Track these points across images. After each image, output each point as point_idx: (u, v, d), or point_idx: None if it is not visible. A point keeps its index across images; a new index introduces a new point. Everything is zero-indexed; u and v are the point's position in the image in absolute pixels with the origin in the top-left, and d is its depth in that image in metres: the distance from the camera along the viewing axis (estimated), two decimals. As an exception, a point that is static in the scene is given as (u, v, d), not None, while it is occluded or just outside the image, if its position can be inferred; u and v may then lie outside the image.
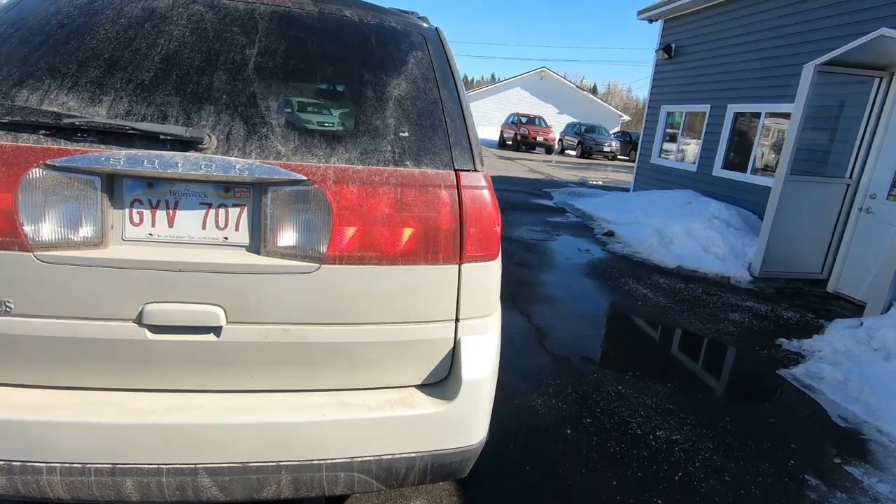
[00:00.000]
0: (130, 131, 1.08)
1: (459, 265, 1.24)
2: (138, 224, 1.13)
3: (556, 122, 27.16)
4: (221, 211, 1.15)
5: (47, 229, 1.07)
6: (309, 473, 1.19)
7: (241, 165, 1.10)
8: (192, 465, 1.14)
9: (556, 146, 22.61)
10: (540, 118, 22.88)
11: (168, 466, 1.13)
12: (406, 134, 1.24)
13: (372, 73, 1.31)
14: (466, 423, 1.27)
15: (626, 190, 9.81)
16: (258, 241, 1.16)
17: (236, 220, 1.16)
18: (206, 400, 1.18)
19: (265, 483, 1.18)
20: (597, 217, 7.05)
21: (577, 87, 34.47)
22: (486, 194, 1.26)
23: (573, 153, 22.34)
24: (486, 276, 1.29)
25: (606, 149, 20.86)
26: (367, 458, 1.21)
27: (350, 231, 1.16)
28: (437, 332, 1.28)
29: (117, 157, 1.06)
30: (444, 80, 1.35)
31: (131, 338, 1.13)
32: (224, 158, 1.11)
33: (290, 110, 1.20)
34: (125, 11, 1.26)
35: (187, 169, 1.08)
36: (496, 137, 23.96)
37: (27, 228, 1.06)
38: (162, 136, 1.09)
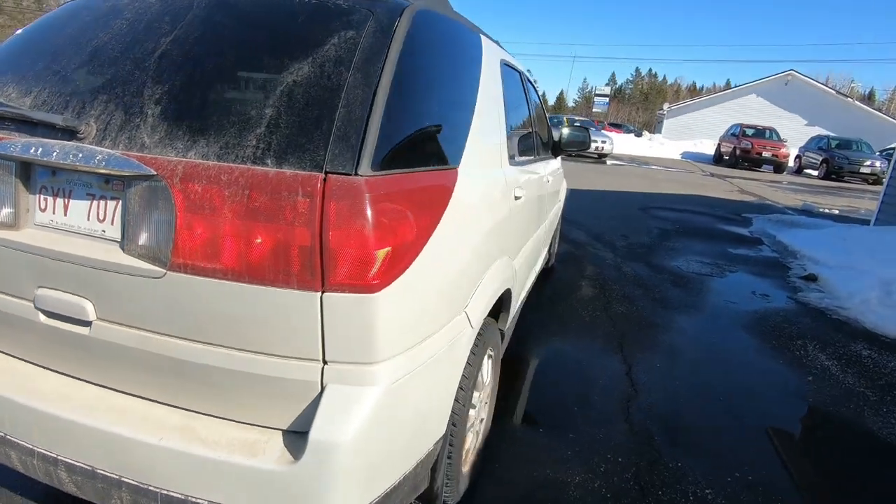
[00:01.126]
0: (13, 117, 1.13)
1: (322, 293, 0.98)
2: (44, 210, 1.17)
3: (801, 136, 22.40)
4: (102, 203, 1.12)
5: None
6: (146, 500, 1.08)
7: (100, 156, 1.05)
8: (54, 456, 1.14)
9: (791, 164, 18.65)
10: (772, 130, 19.17)
11: (37, 450, 1.15)
12: (281, 126, 1.03)
13: (271, 56, 1.13)
14: (306, 498, 1.00)
15: (866, 222, 7.45)
16: (125, 238, 1.09)
17: (112, 214, 1.11)
18: (78, 393, 1.18)
19: (108, 495, 1.11)
20: (801, 254, 5.48)
21: (837, 92, 27.92)
22: (363, 206, 0.97)
23: (814, 173, 18.12)
24: (362, 313, 1.00)
25: (864, 169, 16.36)
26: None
27: (194, 236, 1.01)
28: (297, 371, 1.04)
29: (16, 145, 1.11)
30: (365, 63, 1.09)
31: (28, 318, 1.18)
32: (91, 148, 1.07)
33: (171, 99, 1.10)
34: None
35: (60, 158, 1.07)
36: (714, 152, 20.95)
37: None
38: (40, 123, 1.11)
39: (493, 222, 1.56)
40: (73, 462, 1.12)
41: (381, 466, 1.10)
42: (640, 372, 2.75)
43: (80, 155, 1.06)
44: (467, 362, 1.47)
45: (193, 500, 1.05)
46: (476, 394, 1.72)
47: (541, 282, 4.04)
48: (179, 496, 1.06)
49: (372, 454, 1.05)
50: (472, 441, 1.78)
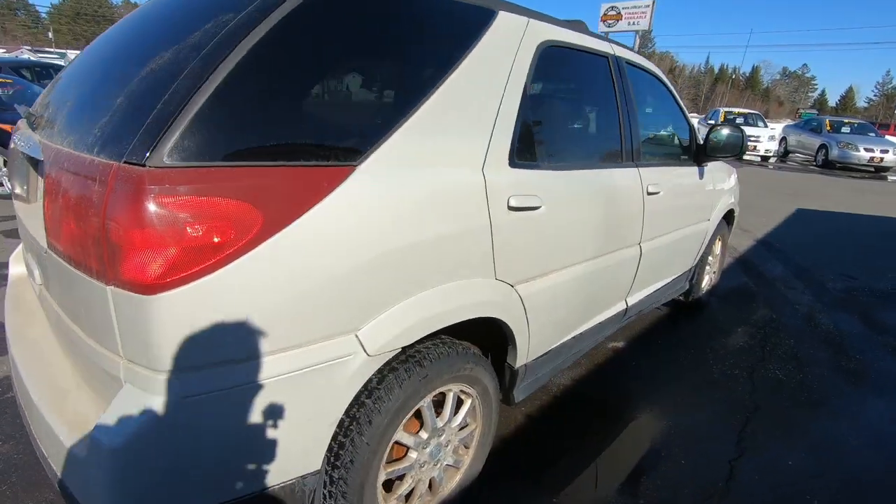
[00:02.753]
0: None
1: (109, 287, 0.94)
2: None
3: None
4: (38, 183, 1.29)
5: None
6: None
7: (27, 143, 1.20)
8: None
9: None
10: None
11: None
12: (116, 116, 1.01)
13: (168, 43, 1.11)
14: (87, 497, 0.97)
15: None
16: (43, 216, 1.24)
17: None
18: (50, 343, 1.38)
19: None
20: None
21: None
22: (140, 200, 0.88)
23: None
24: (140, 314, 0.92)
25: None
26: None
27: (49, 217, 1.08)
28: (109, 364, 1.01)
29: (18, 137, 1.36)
30: (228, 36, 1.01)
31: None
32: (30, 137, 1.24)
33: (74, 96, 1.19)
34: None
35: (22, 147, 1.27)
36: None
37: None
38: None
39: (437, 234, 1.27)
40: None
41: (173, 486, 1.00)
42: (750, 469, 1.97)
43: (24, 144, 1.24)
44: (371, 394, 1.25)
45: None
46: (424, 434, 1.47)
47: (675, 320, 3.28)
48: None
49: (156, 471, 0.97)
50: (422, 488, 1.52)
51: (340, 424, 1.23)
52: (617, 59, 2.10)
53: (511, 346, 1.69)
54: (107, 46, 1.41)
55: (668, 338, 3.02)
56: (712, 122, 15.48)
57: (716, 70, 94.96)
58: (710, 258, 3.36)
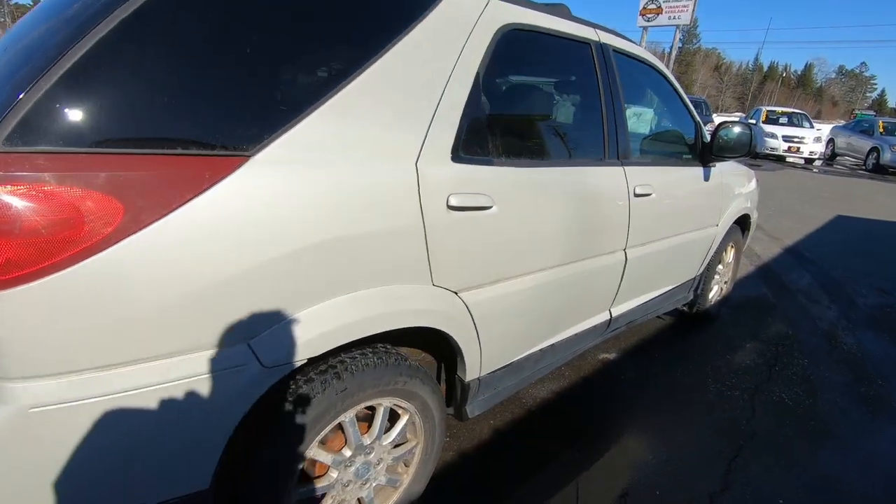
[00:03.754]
0: None
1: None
2: None
3: None
4: None
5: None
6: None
7: None
8: None
9: None
10: None
11: None
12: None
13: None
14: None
15: None
16: None
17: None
18: None
19: None
20: None
21: None
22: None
23: None
24: None
25: None
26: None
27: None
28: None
29: None
30: (90, 7, 0.91)
31: None
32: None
33: None
34: None
35: None
36: None
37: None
38: None
39: (352, 234, 1.14)
40: None
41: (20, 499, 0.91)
42: None
43: None
44: (279, 407, 1.14)
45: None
46: (347, 452, 1.35)
47: (677, 333, 3.05)
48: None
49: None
50: (346, 508, 1.41)
51: (239, 439, 1.13)
52: (602, 46, 1.91)
53: (459, 358, 1.55)
54: None
55: (666, 351, 2.80)
56: (753, 121, 14.73)
57: (765, 68, 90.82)
58: (719, 267, 3.11)
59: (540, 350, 1.86)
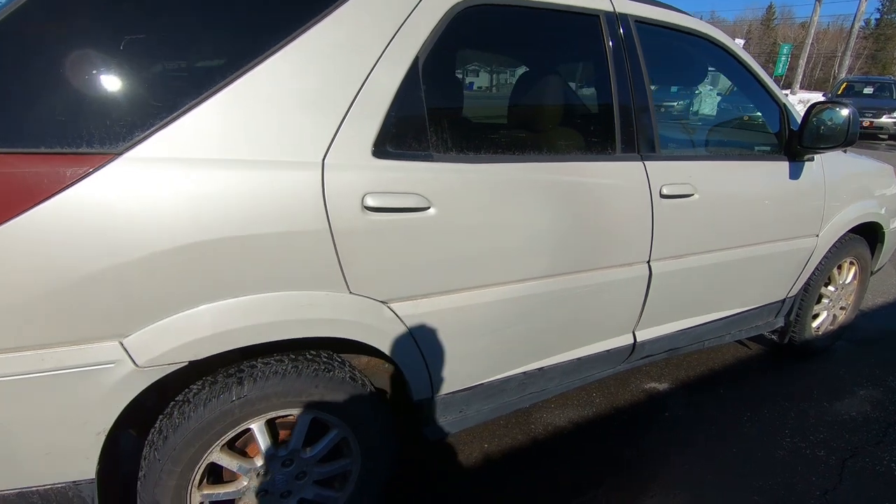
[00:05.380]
0: None
1: None
2: None
3: None
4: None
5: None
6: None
7: None
8: None
9: None
10: None
11: None
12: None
13: None
14: None
15: None
16: None
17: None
18: None
19: None
20: None
21: None
22: None
23: None
24: None
25: None
26: None
27: None
28: None
29: None
30: None
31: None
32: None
33: None
34: None
35: None
36: None
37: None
38: None
39: (241, 235, 1.07)
40: None
41: None
42: None
43: None
44: (174, 409, 1.14)
45: None
46: (258, 461, 1.29)
47: (765, 366, 2.49)
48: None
49: None
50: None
51: (126, 437, 1.14)
52: (619, 17, 1.58)
53: (405, 375, 1.40)
54: None
55: (738, 389, 2.28)
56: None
57: None
58: (829, 288, 2.45)
59: (523, 373, 1.62)
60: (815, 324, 2.49)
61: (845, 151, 2.31)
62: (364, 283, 1.24)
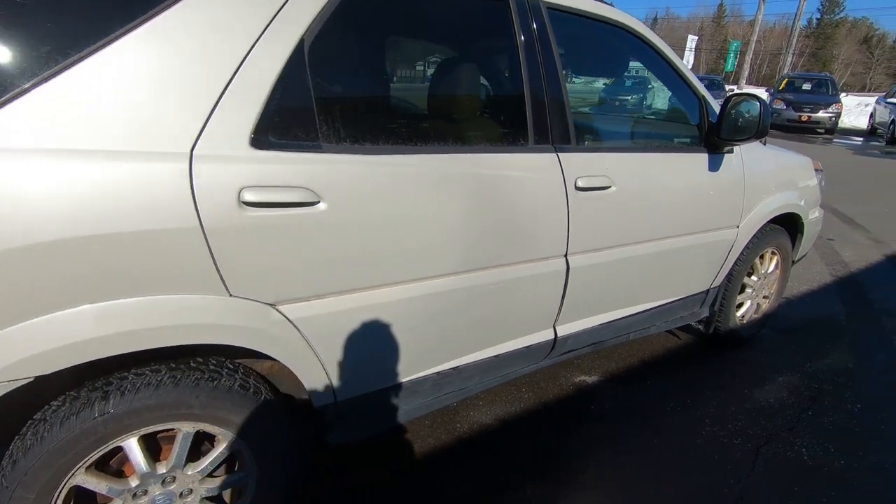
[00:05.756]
0: None
1: None
2: None
3: None
4: None
5: None
6: None
7: None
8: None
9: None
10: None
11: None
12: None
13: None
14: None
15: None
16: None
17: None
18: None
19: None
20: None
21: None
22: None
23: None
24: None
25: None
26: None
27: None
28: None
29: None
30: None
31: None
32: None
33: None
34: None
35: None
36: None
37: None
38: None
39: (89, 235, 0.96)
40: None
41: None
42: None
43: None
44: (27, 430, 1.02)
45: None
46: (133, 481, 1.18)
47: (690, 356, 2.53)
48: None
49: None
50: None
51: None
52: (528, 3, 1.53)
53: (301, 380, 1.32)
54: None
55: (665, 379, 2.31)
56: (893, 101, 12.32)
57: (932, 37, 76.10)
58: (751, 278, 2.51)
59: (436, 373, 1.56)
60: (739, 313, 2.55)
61: (764, 143, 2.36)
62: (246, 285, 1.15)
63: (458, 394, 1.67)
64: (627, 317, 2.02)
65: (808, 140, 12.18)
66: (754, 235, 2.31)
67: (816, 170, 2.66)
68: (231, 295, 1.14)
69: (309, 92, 1.19)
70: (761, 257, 2.51)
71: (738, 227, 2.20)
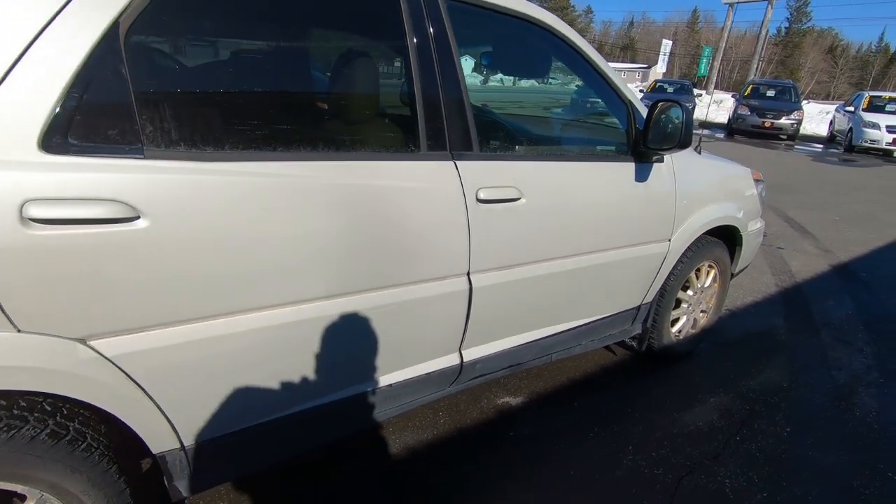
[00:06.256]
0: None
1: None
2: None
3: None
4: None
5: None
6: None
7: None
8: None
9: None
10: None
11: None
12: None
13: None
14: None
15: None
16: None
17: None
18: None
19: None
20: None
21: None
22: None
23: None
24: None
25: None
26: None
27: None
28: None
29: None
30: None
31: None
32: None
33: None
34: None
35: None
36: None
37: None
38: None
39: None
40: None
41: None
42: None
43: None
44: None
45: None
46: None
47: (622, 374, 2.41)
48: None
49: None
50: None
51: None
52: None
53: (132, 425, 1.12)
54: None
55: (592, 400, 2.18)
56: (850, 109, 12.64)
57: (892, 49, 79.25)
58: (686, 293, 2.40)
59: (311, 408, 1.38)
60: (674, 328, 2.44)
61: (699, 152, 2.24)
62: (40, 318, 0.95)
63: (344, 429, 1.50)
64: (547, 337, 1.87)
65: (771, 146, 12.40)
66: (688, 249, 2.20)
67: (756, 180, 2.56)
68: (20, 331, 0.94)
69: (126, 84, 0.99)
70: (697, 271, 2.40)
71: (669, 240, 2.08)
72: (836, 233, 5.00)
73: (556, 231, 1.68)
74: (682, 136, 1.72)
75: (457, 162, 1.42)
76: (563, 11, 62.54)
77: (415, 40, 1.35)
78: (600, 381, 2.34)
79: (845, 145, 12.35)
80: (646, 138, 1.80)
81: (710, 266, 2.45)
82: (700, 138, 2.38)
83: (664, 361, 2.48)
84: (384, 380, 1.49)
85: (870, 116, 11.62)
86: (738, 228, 2.41)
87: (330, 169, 1.21)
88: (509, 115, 2.13)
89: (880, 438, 2.03)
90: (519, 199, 1.54)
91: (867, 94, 12.59)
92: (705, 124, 16.81)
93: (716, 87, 22.69)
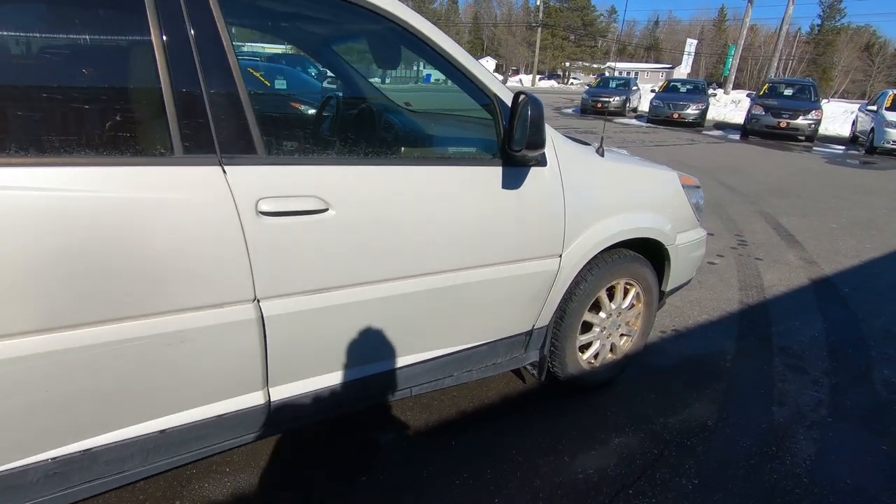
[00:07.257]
0: None
1: None
2: None
3: None
4: None
5: None
6: None
7: None
8: None
9: None
10: None
11: None
12: None
13: None
14: None
15: None
16: None
17: None
18: None
19: None
20: None
21: None
22: None
23: None
24: None
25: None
26: None
27: None
28: None
29: None
30: None
31: None
32: None
33: None
34: None
35: None
36: None
37: None
38: None
39: None
40: None
41: None
42: None
43: None
44: None
45: None
46: None
47: (521, 405, 2.13)
48: None
49: None
50: None
51: None
52: None
53: None
54: None
55: (475, 439, 1.90)
56: (873, 108, 11.91)
57: (934, 45, 75.41)
58: (598, 315, 2.10)
59: (51, 459, 1.15)
60: (586, 355, 2.14)
61: (601, 153, 1.95)
62: None
63: (109, 482, 1.27)
64: (401, 368, 1.62)
65: (787, 147, 11.78)
66: (590, 265, 1.91)
67: (688, 186, 2.25)
68: None
69: None
70: (611, 290, 2.11)
71: (560, 256, 1.80)
72: (829, 242, 4.58)
73: (387, 249, 1.42)
74: (529, 135, 1.44)
75: (226, 167, 1.18)
76: (583, 11, 61.66)
77: (161, 19, 1.11)
78: (495, 413, 2.06)
79: (867, 147, 11.64)
80: (510, 138, 1.53)
81: (627, 284, 2.14)
82: (601, 138, 2.08)
83: (581, 390, 2.19)
84: (155, 424, 1.25)
85: (893, 116, 10.90)
86: (661, 242, 2.10)
87: (16, 178, 0.99)
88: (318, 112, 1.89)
89: (805, 496, 1.70)
90: (325, 210, 1.29)
91: (891, 92, 11.83)
92: (720, 125, 16.17)
93: (742, 87, 21.86)
